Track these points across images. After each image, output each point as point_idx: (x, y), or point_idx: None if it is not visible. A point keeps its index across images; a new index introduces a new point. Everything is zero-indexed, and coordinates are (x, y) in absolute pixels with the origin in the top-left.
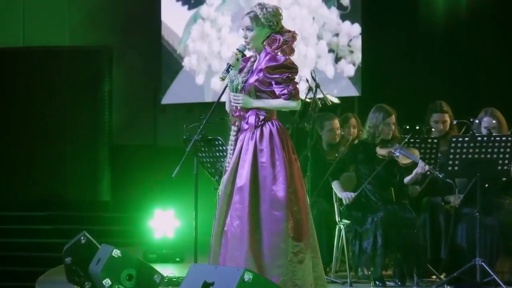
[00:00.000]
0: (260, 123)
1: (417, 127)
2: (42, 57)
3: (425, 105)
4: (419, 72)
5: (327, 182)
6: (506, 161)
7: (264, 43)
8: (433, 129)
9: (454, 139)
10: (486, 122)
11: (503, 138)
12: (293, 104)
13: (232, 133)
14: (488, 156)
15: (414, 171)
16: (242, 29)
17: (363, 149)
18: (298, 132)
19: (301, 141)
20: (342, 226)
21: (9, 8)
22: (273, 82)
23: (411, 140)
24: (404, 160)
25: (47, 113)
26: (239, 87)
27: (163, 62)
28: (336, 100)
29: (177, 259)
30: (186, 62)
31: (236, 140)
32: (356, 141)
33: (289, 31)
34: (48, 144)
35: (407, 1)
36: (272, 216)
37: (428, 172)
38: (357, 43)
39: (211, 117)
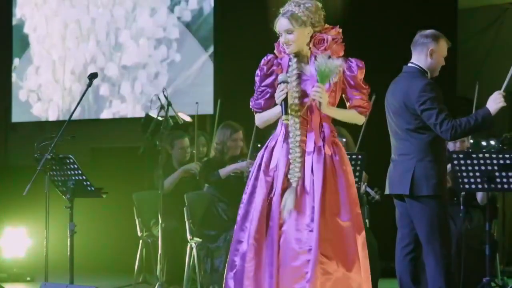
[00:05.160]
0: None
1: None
2: None
3: None
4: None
5: (178, 200)
6: (357, 179)
7: (310, 45)
8: None
9: None
10: None
11: (353, 156)
12: (361, 120)
13: (295, 142)
14: None
15: (233, 166)
16: (279, 35)
17: (214, 167)
18: (151, 150)
19: (153, 159)
20: (193, 245)
21: None
22: (351, 89)
23: None
24: None
25: None
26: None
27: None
28: (188, 118)
29: (28, 279)
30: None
31: (302, 152)
32: (205, 159)
33: (333, 28)
34: None
35: (258, 26)
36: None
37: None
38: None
39: (63, 135)
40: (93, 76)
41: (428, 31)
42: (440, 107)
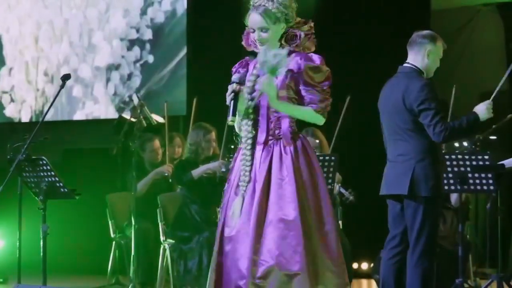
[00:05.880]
0: (292, 135)
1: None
2: None
3: None
4: None
5: (151, 201)
6: (330, 180)
7: (282, 41)
8: None
9: None
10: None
11: (326, 157)
12: (319, 120)
13: (246, 145)
14: None
15: (205, 166)
16: (251, 31)
17: (188, 168)
18: (124, 152)
19: (126, 161)
20: (167, 246)
21: None
22: (303, 87)
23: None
24: None
25: None
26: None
27: None
28: (161, 120)
29: (1, 280)
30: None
31: (253, 155)
32: (178, 160)
33: (306, 22)
34: None
35: (232, 21)
36: (324, 243)
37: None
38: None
39: (36, 137)
40: (66, 77)
41: (426, 32)
42: (437, 109)
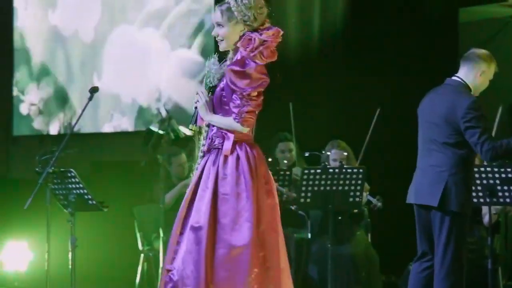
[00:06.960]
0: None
1: (270, 159)
2: None
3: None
4: (270, 103)
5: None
6: (358, 193)
7: (238, 44)
8: (285, 161)
9: (306, 171)
10: (334, 154)
11: (354, 170)
12: (239, 129)
13: (200, 153)
14: (340, 188)
15: None
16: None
17: None
18: (152, 164)
19: (155, 173)
20: None
21: None
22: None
23: None
24: None
25: None
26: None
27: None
28: (189, 132)
29: None
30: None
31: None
32: None
33: (271, 28)
34: None
35: None
36: (233, 262)
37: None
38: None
39: (64, 149)
40: (94, 90)
41: (483, 51)
42: (484, 127)
